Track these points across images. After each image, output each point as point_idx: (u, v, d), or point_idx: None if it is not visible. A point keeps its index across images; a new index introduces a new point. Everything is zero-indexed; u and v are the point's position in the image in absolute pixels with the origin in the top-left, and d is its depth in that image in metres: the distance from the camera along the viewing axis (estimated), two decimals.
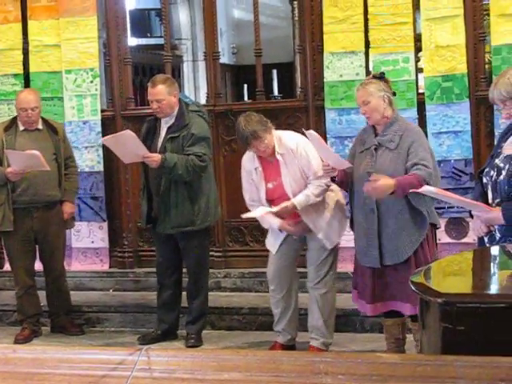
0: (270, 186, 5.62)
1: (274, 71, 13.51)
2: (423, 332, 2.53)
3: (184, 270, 6.30)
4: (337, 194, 5.67)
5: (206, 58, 7.39)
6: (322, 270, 5.69)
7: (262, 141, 5.46)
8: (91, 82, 7.33)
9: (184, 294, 6.30)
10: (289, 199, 5.54)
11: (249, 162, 5.71)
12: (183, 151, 5.88)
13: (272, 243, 5.85)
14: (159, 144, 5.98)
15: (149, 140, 6.01)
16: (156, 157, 5.81)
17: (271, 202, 5.67)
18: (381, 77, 5.22)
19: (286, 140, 5.58)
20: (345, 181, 5.27)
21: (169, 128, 6.00)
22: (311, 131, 5.44)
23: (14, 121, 6.50)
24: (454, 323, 2.30)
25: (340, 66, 6.85)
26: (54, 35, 7.37)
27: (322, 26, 6.88)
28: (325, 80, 6.87)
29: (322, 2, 6.85)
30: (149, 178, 6.07)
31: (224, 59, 14.71)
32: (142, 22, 13.32)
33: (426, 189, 4.42)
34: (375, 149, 5.12)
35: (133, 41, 13.32)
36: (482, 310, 2.31)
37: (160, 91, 5.93)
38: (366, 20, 6.79)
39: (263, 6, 13.89)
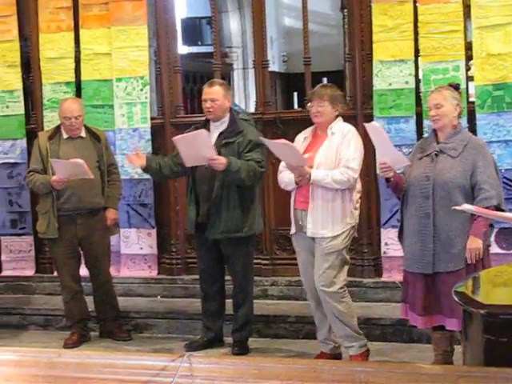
0: (306, 155, 5.65)
1: (324, 79, 13.49)
2: (466, 343, 2.50)
3: (227, 277, 6.31)
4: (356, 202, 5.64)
5: (255, 66, 7.39)
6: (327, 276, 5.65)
7: (322, 104, 5.60)
8: (141, 90, 7.40)
9: (229, 301, 6.31)
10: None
11: (303, 133, 5.84)
12: (239, 157, 5.91)
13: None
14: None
15: None
16: (223, 159, 5.81)
17: None
18: (456, 87, 5.26)
19: (342, 125, 5.68)
20: (400, 183, 5.24)
21: (221, 133, 6.03)
22: (374, 122, 5.48)
23: (57, 129, 6.58)
24: (497, 335, 2.27)
25: (389, 74, 6.82)
26: (105, 44, 7.46)
27: (371, 34, 6.85)
28: (374, 88, 6.85)
29: (372, 11, 6.83)
30: (196, 183, 6.09)
31: (274, 67, 14.78)
32: (193, 30, 13.39)
33: (466, 207, 4.38)
34: (436, 154, 5.12)
35: (184, 49, 13.44)
36: None
37: (216, 91, 6.02)
38: (416, 28, 6.75)
39: (314, 14, 13.90)
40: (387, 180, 5.25)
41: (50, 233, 6.50)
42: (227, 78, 13.83)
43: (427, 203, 5.07)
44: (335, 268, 5.59)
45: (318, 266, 5.62)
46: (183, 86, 8.33)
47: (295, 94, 13.60)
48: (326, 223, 5.56)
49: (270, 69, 13.98)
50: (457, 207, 4.45)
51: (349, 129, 5.65)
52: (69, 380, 2.62)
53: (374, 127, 5.26)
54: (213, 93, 6.01)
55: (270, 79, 14.58)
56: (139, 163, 6.13)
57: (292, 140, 6.95)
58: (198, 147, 5.77)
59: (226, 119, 6.05)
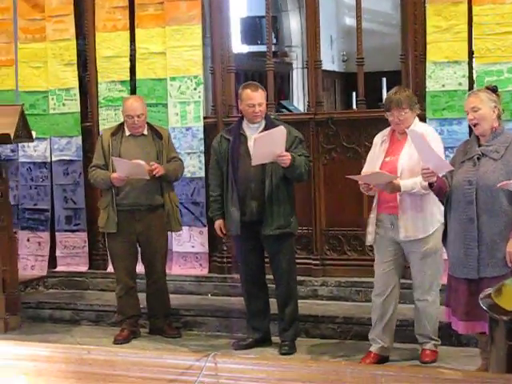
0: (387, 159, 5.70)
1: (384, 79, 13.41)
2: (492, 349, 2.48)
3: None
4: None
5: (308, 66, 7.39)
6: (425, 279, 5.70)
7: (402, 111, 5.61)
8: (195, 89, 7.46)
9: (273, 300, 6.34)
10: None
11: (380, 136, 5.86)
12: None
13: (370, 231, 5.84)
14: (251, 150, 6.02)
15: (235, 147, 6.09)
16: (289, 155, 5.90)
17: None
18: (494, 89, 5.19)
19: (422, 125, 5.74)
20: (443, 188, 5.19)
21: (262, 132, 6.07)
22: (414, 129, 5.45)
23: (120, 126, 6.67)
24: None
25: (442, 75, 6.76)
26: (160, 43, 7.54)
27: (425, 35, 6.80)
28: (427, 89, 6.79)
29: (426, 11, 6.77)
30: (240, 183, 6.10)
31: (334, 66, 14.75)
32: (252, 29, 13.44)
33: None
34: (478, 158, 5.07)
35: (244, 48, 13.49)
36: None
37: (261, 95, 6.12)
38: (470, 29, 6.68)
39: (375, 14, 13.88)
40: (430, 185, 5.21)
41: (109, 227, 6.59)
42: (287, 77, 13.88)
43: (471, 208, 5.02)
44: (434, 270, 5.71)
45: (416, 270, 5.71)
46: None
47: (353, 93, 13.57)
48: (417, 225, 5.61)
49: (329, 68, 14.00)
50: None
51: (428, 130, 5.70)
52: (98, 376, 2.66)
53: (416, 134, 5.26)
54: (259, 97, 6.09)
55: (329, 79, 14.65)
56: None
57: (348, 140, 7.00)
58: (272, 144, 5.86)
59: (262, 120, 6.11)
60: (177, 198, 6.82)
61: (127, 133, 6.58)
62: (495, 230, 4.94)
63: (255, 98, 6.04)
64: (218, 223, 6.30)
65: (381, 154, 5.72)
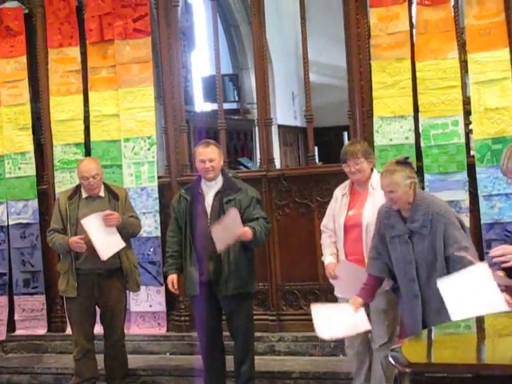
0: (350, 213, 5.76)
1: (345, 133, 13.63)
2: None
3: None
4: None
5: (258, 124, 7.51)
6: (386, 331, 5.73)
7: (358, 162, 5.68)
8: (148, 149, 7.55)
9: (229, 357, 6.33)
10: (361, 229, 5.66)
11: (340, 189, 5.92)
12: (244, 214, 5.98)
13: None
14: (209, 209, 6.07)
15: (193, 207, 6.12)
16: (249, 231, 5.93)
17: (346, 229, 5.76)
18: (405, 162, 5.26)
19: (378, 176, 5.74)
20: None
21: (218, 192, 6.10)
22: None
23: (77, 189, 6.66)
24: None
25: (390, 130, 6.89)
26: (113, 105, 7.64)
27: (371, 91, 6.94)
28: (375, 144, 6.91)
29: (371, 68, 6.92)
30: (197, 243, 6.13)
31: (297, 122, 14.94)
32: (214, 87, 13.60)
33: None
34: (409, 236, 5.20)
35: (207, 106, 13.62)
36: (450, 379, 2.30)
37: (213, 151, 6.12)
38: (415, 84, 6.83)
39: (338, 69, 14.10)
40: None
41: (69, 292, 6.58)
42: (249, 134, 14.01)
43: (413, 285, 5.19)
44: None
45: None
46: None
47: (316, 148, 13.73)
48: None
49: (292, 124, 14.15)
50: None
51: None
52: None
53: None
54: (210, 153, 6.11)
55: (291, 134, 14.79)
56: None
57: (300, 195, 7.07)
58: (231, 227, 5.86)
59: (220, 178, 6.15)
60: (135, 258, 6.82)
61: (84, 195, 6.59)
62: (439, 301, 4.97)
63: (205, 154, 6.10)
64: (171, 278, 6.22)
65: (343, 208, 5.79)
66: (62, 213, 6.57)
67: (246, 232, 5.89)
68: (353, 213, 5.73)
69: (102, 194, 6.61)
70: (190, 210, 6.11)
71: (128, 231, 6.61)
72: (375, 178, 5.71)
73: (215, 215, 6.01)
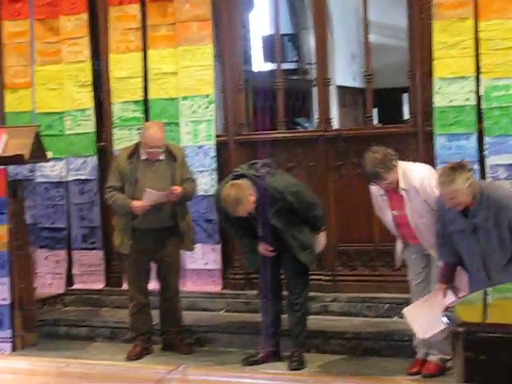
0: (395, 213, 5.78)
1: (405, 95, 13.44)
2: (455, 362, 2.52)
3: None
4: None
5: (317, 83, 7.46)
6: None
7: (384, 180, 5.63)
8: (206, 107, 7.56)
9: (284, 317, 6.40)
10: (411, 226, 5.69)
11: (376, 188, 5.86)
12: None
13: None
14: None
15: None
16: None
17: (398, 225, 5.81)
18: (463, 166, 5.20)
19: (410, 175, 5.68)
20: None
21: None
22: None
23: (136, 148, 6.69)
24: (476, 353, 2.29)
25: (450, 91, 6.79)
26: (171, 63, 7.65)
27: (431, 51, 6.84)
28: (434, 105, 6.82)
29: (432, 28, 6.82)
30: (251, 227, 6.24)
31: (355, 83, 14.78)
32: (274, 46, 13.53)
33: None
34: (473, 230, 5.19)
35: (267, 66, 13.57)
36: (502, 340, 2.28)
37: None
38: (477, 45, 6.71)
39: (398, 29, 13.91)
40: None
41: (123, 248, 6.69)
42: (307, 94, 13.93)
43: (481, 273, 5.22)
44: None
45: None
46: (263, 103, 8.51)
47: (376, 109, 13.60)
48: None
49: (351, 85, 14.00)
50: None
51: (417, 179, 5.67)
52: None
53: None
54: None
55: (350, 95, 14.67)
56: None
57: (358, 156, 7.01)
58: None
59: None
60: (190, 218, 6.90)
61: (143, 156, 6.64)
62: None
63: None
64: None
65: (386, 207, 5.81)
66: (121, 172, 6.64)
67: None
68: (397, 213, 5.76)
69: (161, 157, 6.65)
70: None
71: (185, 199, 6.70)
72: (402, 178, 5.65)
73: None
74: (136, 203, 6.49)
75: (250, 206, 6.00)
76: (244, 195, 5.96)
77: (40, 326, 7.39)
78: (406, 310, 5.77)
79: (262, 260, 6.28)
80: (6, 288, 6.94)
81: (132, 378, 2.68)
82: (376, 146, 5.85)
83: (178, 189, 6.52)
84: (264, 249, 6.22)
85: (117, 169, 6.68)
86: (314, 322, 6.70)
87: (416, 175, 5.68)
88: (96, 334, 7.44)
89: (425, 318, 5.49)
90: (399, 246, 5.94)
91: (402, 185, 5.64)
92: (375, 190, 5.85)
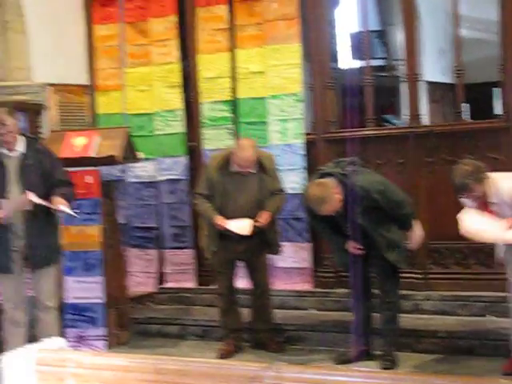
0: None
1: (496, 90, 13.17)
2: None
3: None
4: None
5: (407, 79, 7.38)
6: None
7: (473, 192, 5.57)
8: (295, 106, 7.56)
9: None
10: None
11: (467, 201, 5.77)
12: None
13: None
14: None
15: None
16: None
17: None
18: None
19: (500, 188, 5.58)
20: None
21: None
22: None
23: (227, 159, 6.64)
24: None
25: None
26: (259, 62, 7.69)
27: None
28: None
29: None
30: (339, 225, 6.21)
31: (445, 78, 14.57)
32: (362, 44, 13.44)
33: None
34: None
35: (355, 63, 13.49)
36: None
37: None
38: None
39: (489, 23, 13.66)
40: None
41: (207, 252, 6.77)
42: (395, 91, 13.80)
43: None
44: None
45: None
46: (353, 100, 8.46)
47: (466, 105, 13.36)
48: None
49: (440, 80, 13.78)
50: None
51: (505, 193, 5.56)
52: None
53: None
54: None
55: (439, 90, 14.45)
56: None
57: (450, 153, 6.90)
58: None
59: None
60: (276, 222, 6.91)
61: (233, 169, 6.62)
62: None
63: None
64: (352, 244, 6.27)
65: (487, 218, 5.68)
66: (210, 181, 6.65)
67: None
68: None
69: (252, 170, 6.62)
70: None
71: (275, 214, 6.74)
72: (494, 189, 5.55)
73: None
74: (218, 220, 6.52)
75: (335, 204, 5.97)
76: (329, 194, 5.94)
77: (132, 324, 7.51)
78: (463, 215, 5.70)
79: (351, 258, 6.25)
80: (100, 287, 7.07)
81: (226, 376, 2.69)
82: (466, 159, 5.80)
83: (262, 222, 6.54)
84: (352, 247, 6.18)
85: (207, 177, 6.70)
86: (406, 320, 6.63)
87: (505, 188, 5.57)
88: (187, 332, 7.51)
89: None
90: (501, 245, 5.81)
91: (492, 198, 5.56)
92: (467, 203, 5.76)
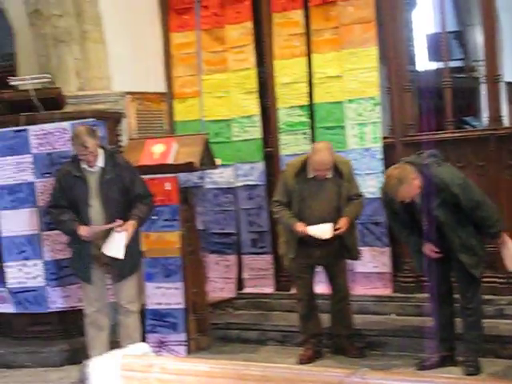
0: None
1: None
2: None
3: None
4: None
5: (487, 80, 7.27)
6: None
7: None
8: (372, 110, 7.51)
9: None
10: None
11: None
12: None
13: None
14: None
15: None
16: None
17: None
18: None
19: None
20: None
21: None
22: None
23: (303, 165, 6.62)
24: None
25: None
26: (336, 66, 7.66)
27: None
28: None
29: None
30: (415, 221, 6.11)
31: None
32: (439, 45, 13.29)
33: None
34: None
35: (432, 65, 13.33)
36: None
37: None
38: None
39: None
40: None
41: (285, 259, 6.76)
42: (475, 92, 13.59)
43: None
44: None
45: None
46: (431, 103, 8.38)
47: None
48: None
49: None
50: None
51: None
52: None
53: None
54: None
55: None
56: None
57: None
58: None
59: None
60: (355, 228, 6.87)
61: (310, 175, 6.61)
62: None
63: None
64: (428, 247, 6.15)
65: None
66: (288, 187, 6.65)
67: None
68: None
69: (328, 174, 6.60)
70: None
71: (353, 220, 6.72)
72: None
73: None
74: (299, 227, 6.50)
75: (413, 190, 5.90)
76: (407, 176, 5.87)
77: (212, 330, 7.54)
78: None
79: (429, 262, 6.16)
80: (180, 292, 7.12)
81: (310, 381, 2.68)
82: None
83: (342, 228, 6.51)
84: (429, 249, 6.09)
85: (284, 185, 6.69)
86: (490, 325, 6.52)
87: None
88: (267, 338, 7.51)
89: None
90: None
91: None
92: None
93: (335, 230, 6.47)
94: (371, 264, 7.58)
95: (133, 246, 6.54)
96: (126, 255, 6.40)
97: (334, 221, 6.50)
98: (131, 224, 6.39)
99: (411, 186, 5.88)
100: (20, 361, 7.27)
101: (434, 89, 10.82)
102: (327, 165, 6.51)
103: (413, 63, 12.00)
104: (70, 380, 6.65)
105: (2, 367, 7.26)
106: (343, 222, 6.51)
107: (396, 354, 6.83)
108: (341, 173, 6.61)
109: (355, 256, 6.84)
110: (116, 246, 6.31)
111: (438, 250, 6.06)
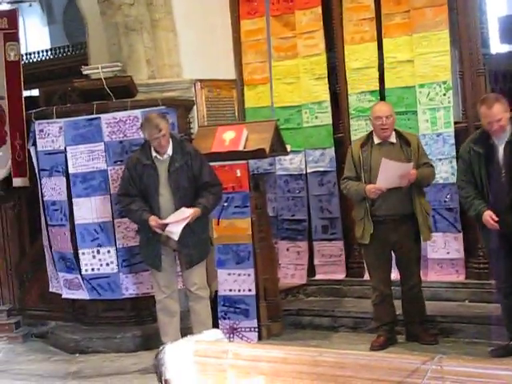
0: None
1: None
2: None
3: None
4: None
5: None
6: None
7: None
8: (444, 94, 7.42)
9: None
10: None
11: None
12: None
13: None
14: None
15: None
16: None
17: None
18: None
19: None
20: None
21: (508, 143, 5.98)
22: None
23: (369, 136, 6.74)
24: None
25: None
26: (407, 51, 7.58)
27: None
28: None
29: None
30: (491, 192, 5.99)
31: None
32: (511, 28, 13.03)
33: None
34: None
35: (504, 47, 13.08)
36: None
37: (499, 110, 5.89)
38: None
39: None
40: None
41: (364, 238, 6.71)
42: None
43: None
44: None
45: None
46: (504, 86, 8.27)
47: None
48: None
49: None
50: None
51: None
52: (330, 377, 2.77)
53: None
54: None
55: None
56: None
57: None
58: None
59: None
60: (429, 206, 6.79)
61: (376, 141, 6.65)
62: None
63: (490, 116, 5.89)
64: (487, 213, 5.96)
65: None
66: (355, 161, 6.67)
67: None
68: None
69: (393, 140, 6.64)
70: (485, 163, 5.95)
71: (422, 184, 6.65)
72: None
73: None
74: (369, 186, 6.50)
75: (505, 114, 5.85)
76: (504, 100, 5.91)
77: (284, 316, 7.56)
78: None
79: (496, 243, 6.05)
80: (251, 279, 7.15)
81: (385, 368, 2.66)
82: None
83: (413, 173, 6.45)
84: (488, 216, 5.93)
85: (351, 159, 6.72)
86: None
87: None
88: (339, 324, 7.50)
89: None
90: None
91: None
92: None
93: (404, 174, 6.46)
94: (444, 250, 7.50)
95: (201, 233, 6.59)
96: (195, 242, 6.45)
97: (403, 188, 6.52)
98: (195, 211, 6.43)
99: (506, 110, 5.86)
100: (94, 346, 7.41)
101: (508, 72, 10.63)
102: (386, 111, 6.58)
103: (486, 46, 11.79)
104: (144, 365, 6.74)
105: (77, 353, 7.41)
106: (413, 171, 6.49)
107: (469, 340, 6.75)
108: (408, 142, 6.63)
109: (428, 237, 6.77)
110: (174, 229, 6.36)
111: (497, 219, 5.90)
